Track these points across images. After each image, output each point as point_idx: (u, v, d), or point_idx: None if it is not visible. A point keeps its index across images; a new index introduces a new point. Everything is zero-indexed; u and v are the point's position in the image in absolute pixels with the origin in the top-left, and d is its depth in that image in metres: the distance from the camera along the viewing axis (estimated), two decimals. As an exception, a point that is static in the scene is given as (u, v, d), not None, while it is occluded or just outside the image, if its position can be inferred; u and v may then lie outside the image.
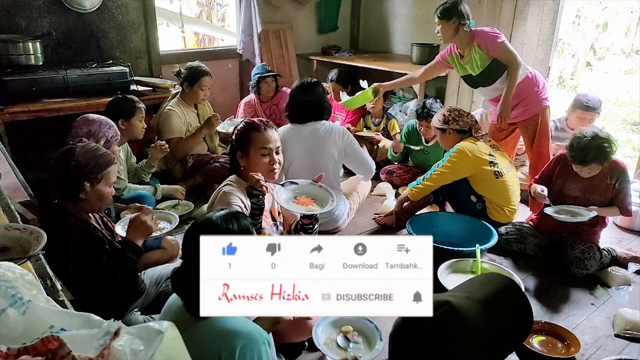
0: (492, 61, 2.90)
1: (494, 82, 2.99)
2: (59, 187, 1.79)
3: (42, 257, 1.13)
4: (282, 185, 2.04)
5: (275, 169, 2.13)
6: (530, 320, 1.29)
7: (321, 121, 2.90)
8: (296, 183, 2.07)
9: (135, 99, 3.07)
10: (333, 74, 4.29)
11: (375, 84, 3.35)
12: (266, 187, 1.93)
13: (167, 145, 3.24)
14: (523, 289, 2.21)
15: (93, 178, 1.78)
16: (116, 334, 0.67)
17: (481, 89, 3.14)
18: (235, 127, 2.21)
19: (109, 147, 2.52)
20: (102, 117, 2.62)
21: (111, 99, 3.05)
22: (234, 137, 2.17)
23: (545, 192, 2.63)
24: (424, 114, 3.49)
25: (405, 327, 1.14)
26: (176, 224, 2.13)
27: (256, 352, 1.32)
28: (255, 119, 2.18)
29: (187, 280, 1.33)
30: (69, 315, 0.76)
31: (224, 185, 2.11)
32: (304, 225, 2.06)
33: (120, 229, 1.92)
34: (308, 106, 2.87)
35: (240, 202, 2.01)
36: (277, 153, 2.14)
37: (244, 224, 1.38)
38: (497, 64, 2.90)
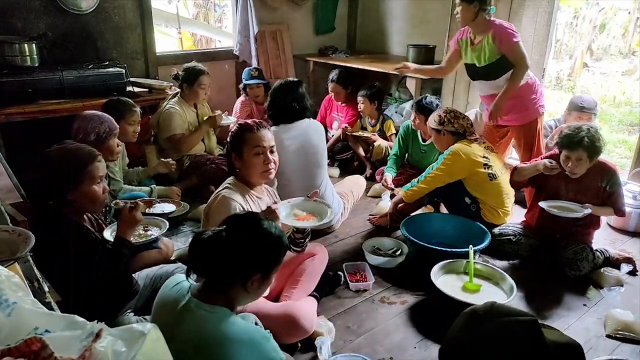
0: (500, 57, 2.87)
1: (495, 79, 2.96)
2: (43, 193, 1.74)
3: (30, 258, 1.14)
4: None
5: (270, 168, 2.12)
6: None
7: (305, 120, 2.92)
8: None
9: (130, 101, 3.07)
10: (334, 74, 4.30)
11: (404, 62, 3.49)
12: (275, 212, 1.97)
13: (175, 163, 3.26)
14: (515, 291, 2.23)
15: (74, 179, 1.72)
16: (98, 335, 0.67)
17: (480, 82, 3.10)
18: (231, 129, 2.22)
19: (103, 142, 2.51)
20: (97, 112, 2.63)
21: (107, 99, 3.06)
22: (229, 139, 2.17)
23: (554, 163, 2.58)
24: (419, 107, 3.48)
25: (486, 319, 1.14)
26: (165, 229, 2.12)
27: (259, 354, 1.34)
28: (249, 121, 2.18)
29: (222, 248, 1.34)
30: (53, 317, 0.76)
31: (223, 189, 2.08)
32: (296, 240, 2.10)
33: (109, 235, 1.87)
34: (291, 106, 2.87)
35: (240, 207, 2.00)
36: (271, 152, 2.13)
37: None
38: (504, 62, 2.87)
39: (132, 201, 1.78)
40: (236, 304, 1.43)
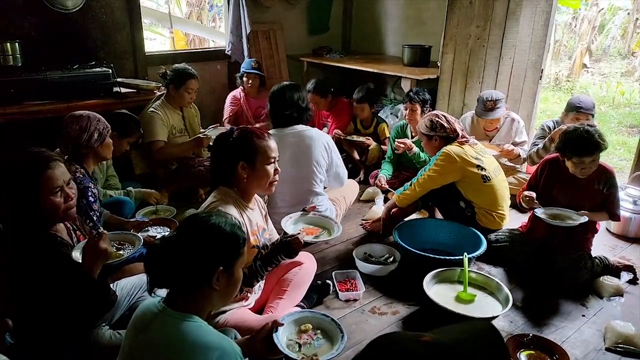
0: None
1: None
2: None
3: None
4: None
5: (277, 179, 2.05)
6: None
7: (305, 126, 2.82)
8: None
9: (139, 121, 3.04)
10: (310, 84, 4.19)
11: None
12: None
13: (160, 196, 3.11)
14: (511, 302, 2.13)
15: (26, 191, 1.56)
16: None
17: None
18: (228, 133, 2.02)
19: (103, 140, 2.46)
20: (87, 112, 2.53)
21: (117, 112, 3.00)
22: (230, 146, 1.98)
23: (534, 195, 2.56)
24: (410, 97, 3.52)
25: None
26: (139, 246, 2.00)
27: None
28: (249, 127, 2.07)
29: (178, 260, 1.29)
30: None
31: (216, 202, 1.92)
32: (266, 262, 1.96)
33: (79, 254, 1.69)
34: (289, 109, 2.79)
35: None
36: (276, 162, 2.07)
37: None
38: None
39: (96, 232, 1.64)
40: (209, 307, 1.39)
